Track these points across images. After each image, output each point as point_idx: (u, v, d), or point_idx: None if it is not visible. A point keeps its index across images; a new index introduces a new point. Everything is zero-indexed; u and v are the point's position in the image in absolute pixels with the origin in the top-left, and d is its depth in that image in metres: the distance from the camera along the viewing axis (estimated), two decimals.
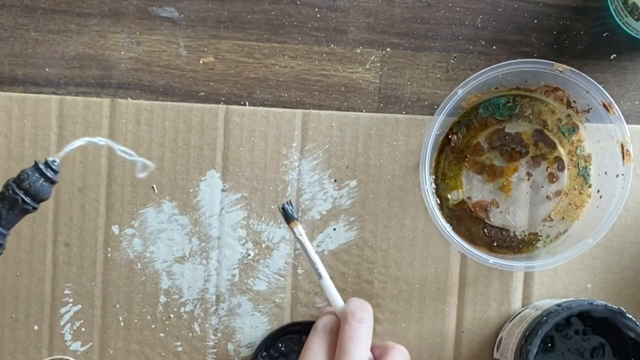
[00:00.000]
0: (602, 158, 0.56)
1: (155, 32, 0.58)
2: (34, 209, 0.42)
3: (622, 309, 0.51)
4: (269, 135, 0.57)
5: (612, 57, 0.58)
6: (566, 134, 0.57)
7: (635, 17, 0.55)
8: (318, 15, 0.58)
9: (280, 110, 0.57)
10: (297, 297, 0.58)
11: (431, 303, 0.58)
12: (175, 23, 0.58)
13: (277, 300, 0.58)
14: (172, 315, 0.58)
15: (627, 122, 0.55)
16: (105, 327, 0.58)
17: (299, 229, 0.50)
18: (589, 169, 0.57)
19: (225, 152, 0.57)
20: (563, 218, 0.57)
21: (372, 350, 0.49)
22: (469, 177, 0.58)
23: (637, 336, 0.51)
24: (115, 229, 0.57)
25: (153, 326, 0.58)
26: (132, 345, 0.58)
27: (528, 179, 0.57)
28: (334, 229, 0.57)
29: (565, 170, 0.57)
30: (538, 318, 0.51)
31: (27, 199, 0.42)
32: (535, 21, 0.58)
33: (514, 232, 0.58)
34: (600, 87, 0.53)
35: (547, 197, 0.57)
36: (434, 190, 0.57)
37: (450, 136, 0.57)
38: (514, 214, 0.58)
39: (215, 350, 0.58)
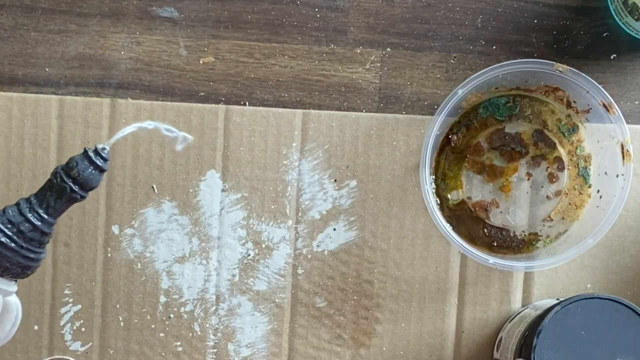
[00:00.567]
0: (602, 158, 0.56)
1: (155, 32, 0.58)
2: (82, 197, 0.41)
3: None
4: (269, 135, 0.57)
5: (612, 57, 0.58)
6: (566, 134, 0.57)
7: (635, 17, 0.55)
8: (318, 15, 0.58)
9: (280, 110, 0.57)
10: (297, 297, 0.58)
11: (431, 303, 0.58)
12: (175, 23, 0.58)
13: (277, 300, 0.58)
14: (172, 315, 0.58)
15: (627, 122, 0.55)
16: (105, 327, 0.58)
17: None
18: (589, 169, 0.57)
19: (225, 152, 0.57)
20: (563, 218, 0.58)
21: None
22: (469, 177, 0.58)
23: None
24: (115, 229, 0.57)
25: (153, 326, 0.58)
26: (132, 345, 0.58)
27: (528, 179, 0.57)
28: (334, 229, 0.57)
29: (565, 170, 0.57)
30: (538, 318, 0.51)
31: (76, 188, 0.40)
32: (535, 21, 0.58)
33: (514, 232, 0.58)
34: (600, 87, 0.53)
35: (547, 197, 0.57)
36: (434, 190, 0.57)
37: (450, 136, 0.57)
38: (514, 214, 0.58)
39: (215, 350, 0.58)
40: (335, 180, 0.57)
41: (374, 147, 0.57)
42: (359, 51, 0.58)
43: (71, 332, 0.57)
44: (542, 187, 0.57)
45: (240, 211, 0.57)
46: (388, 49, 0.58)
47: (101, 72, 0.58)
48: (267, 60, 0.58)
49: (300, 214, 0.57)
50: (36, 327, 0.57)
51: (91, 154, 0.41)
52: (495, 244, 0.58)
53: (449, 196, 0.57)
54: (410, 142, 0.57)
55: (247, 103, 0.58)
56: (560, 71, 0.53)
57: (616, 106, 0.53)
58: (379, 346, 0.58)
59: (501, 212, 0.58)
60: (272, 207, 0.57)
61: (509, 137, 0.57)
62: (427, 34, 0.58)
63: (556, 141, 0.57)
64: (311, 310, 0.58)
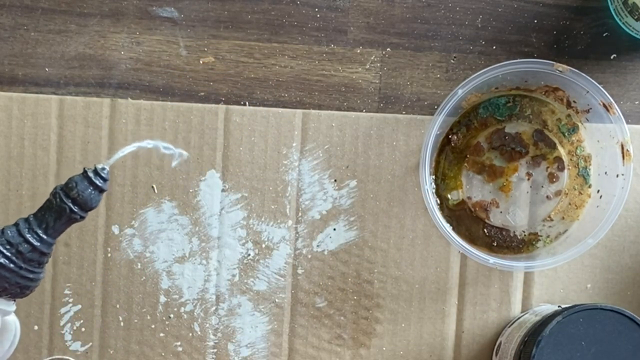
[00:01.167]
0: (602, 158, 0.56)
1: (155, 32, 0.58)
2: (82, 218, 0.40)
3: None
4: (269, 135, 0.57)
5: (612, 57, 0.58)
6: (566, 134, 0.57)
7: (635, 17, 0.55)
8: (318, 15, 0.58)
9: (280, 110, 0.57)
10: (297, 297, 0.58)
11: (431, 303, 0.58)
12: (175, 23, 0.58)
13: (277, 300, 0.58)
14: (172, 315, 0.58)
15: (627, 122, 0.55)
16: (105, 327, 0.58)
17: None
18: (589, 169, 0.57)
19: (225, 152, 0.57)
20: (563, 218, 0.57)
21: None
22: (469, 177, 0.58)
23: None
24: (115, 229, 0.57)
25: (153, 326, 0.58)
26: (132, 345, 0.58)
27: (528, 179, 0.57)
28: (334, 229, 0.57)
29: (565, 170, 0.57)
30: (538, 326, 0.51)
31: (75, 208, 0.40)
32: (535, 21, 0.58)
33: (514, 232, 0.58)
34: (600, 87, 0.53)
35: (547, 197, 0.57)
36: (434, 190, 0.57)
37: (450, 136, 0.57)
38: (514, 214, 0.58)
39: (215, 350, 0.58)
40: (335, 180, 0.57)
41: (374, 147, 0.57)
42: (359, 51, 0.58)
43: (71, 332, 0.57)
44: (542, 187, 0.57)
45: (240, 211, 0.57)
46: (388, 49, 0.58)
47: (101, 72, 0.58)
48: (267, 60, 0.58)
49: (300, 214, 0.57)
50: (36, 327, 0.57)
51: (91, 174, 0.40)
52: (495, 244, 0.58)
53: (449, 196, 0.57)
54: (410, 142, 0.57)
55: (247, 103, 0.58)
56: (560, 71, 0.53)
57: (616, 106, 0.53)
58: (379, 346, 0.58)
59: (501, 212, 0.58)
60: (272, 207, 0.57)
61: (509, 137, 0.57)
62: (427, 34, 0.58)
63: (556, 141, 0.57)
64: (311, 310, 0.58)
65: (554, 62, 0.53)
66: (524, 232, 0.58)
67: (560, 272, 0.57)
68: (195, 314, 0.58)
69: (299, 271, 0.58)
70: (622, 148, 0.54)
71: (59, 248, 0.57)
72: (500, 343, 0.56)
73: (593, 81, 0.53)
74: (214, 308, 0.58)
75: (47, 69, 0.58)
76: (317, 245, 0.57)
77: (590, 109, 0.56)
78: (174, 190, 0.57)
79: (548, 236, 0.58)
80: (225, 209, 0.57)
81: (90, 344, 0.58)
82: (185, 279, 0.58)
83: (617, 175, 0.54)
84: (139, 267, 0.57)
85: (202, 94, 0.58)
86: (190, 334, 0.58)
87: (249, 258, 0.58)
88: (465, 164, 0.57)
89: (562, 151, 0.57)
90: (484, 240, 0.58)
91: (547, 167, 0.57)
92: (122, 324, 0.57)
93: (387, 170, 0.57)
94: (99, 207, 0.57)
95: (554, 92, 0.56)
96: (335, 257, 0.58)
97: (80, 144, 0.57)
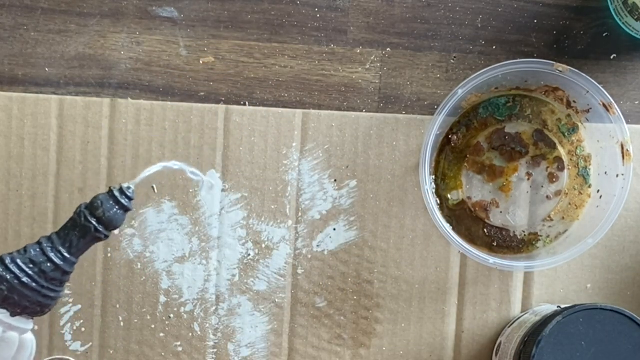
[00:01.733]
0: (602, 158, 0.56)
1: (155, 32, 0.58)
2: (106, 237, 0.40)
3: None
4: (269, 135, 0.57)
5: (612, 57, 0.58)
6: (566, 134, 0.57)
7: (635, 17, 0.55)
8: (318, 15, 0.58)
9: (280, 110, 0.57)
10: (297, 297, 0.58)
11: (431, 303, 0.58)
12: (175, 23, 0.58)
13: (277, 300, 0.58)
14: (172, 315, 0.58)
15: (627, 122, 0.55)
16: (105, 327, 0.58)
17: None
18: (589, 169, 0.57)
19: (225, 152, 0.57)
20: (563, 218, 0.57)
21: None
22: (469, 177, 0.58)
23: None
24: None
25: (153, 326, 0.58)
26: (132, 345, 0.58)
27: (528, 179, 0.57)
28: (334, 229, 0.57)
29: (565, 170, 0.57)
30: (538, 326, 0.51)
31: (100, 228, 0.39)
32: (535, 21, 0.58)
33: (514, 232, 0.58)
34: (600, 87, 0.53)
35: (547, 197, 0.57)
36: (434, 190, 0.57)
37: (450, 136, 0.57)
38: (514, 214, 0.58)
39: (215, 350, 0.58)
40: (335, 180, 0.57)
41: (374, 147, 0.57)
42: (359, 51, 0.58)
43: (71, 332, 0.57)
44: (542, 187, 0.57)
45: (240, 211, 0.57)
46: (388, 49, 0.58)
47: (101, 72, 0.58)
48: (267, 60, 0.58)
49: (300, 214, 0.57)
50: (36, 327, 0.57)
51: (116, 194, 0.40)
52: (495, 244, 0.58)
53: (449, 196, 0.57)
54: (410, 142, 0.57)
55: (247, 103, 0.58)
56: (560, 71, 0.53)
57: (616, 106, 0.53)
58: (379, 346, 0.58)
59: (501, 212, 0.58)
60: (272, 207, 0.57)
61: (509, 137, 0.57)
62: (427, 34, 0.58)
63: (556, 141, 0.57)
64: (311, 310, 0.58)
65: (554, 62, 0.53)
66: (524, 232, 0.58)
67: (560, 272, 0.57)
68: (195, 314, 0.58)
69: (299, 271, 0.58)
70: (622, 148, 0.54)
71: None
72: (500, 343, 0.56)
73: (593, 81, 0.53)
74: (214, 308, 0.58)
75: (47, 69, 0.58)
76: (317, 245, 0.57)
77: (590, 109, 0.56)
78: (174, 190, 0.57)
79: (548, 236, 0.58)
80: (225, 209, 0.57)
81: (90, 344, 0.58)
82: (185, 279, 0.58)
83: (617, 175, 0.54)
84: (139, 267, 0.57)
85: (202, 94, 0.58)
86: (190, 334, 0.58)
87: (249, 258, 0.58)
88: (465, 164, 0.57)
89: (562, 151, 0.57)
90: (484, 240, 0.58)
91: (547, 167, 0.57)
92: (122, 324, 0.57)
93: (387, 170, 0.57)
94: None
95: (554, 92, 0.56)
96: (335, 257, 0.58)
97: (80, 144, 0.57)
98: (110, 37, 0.58)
